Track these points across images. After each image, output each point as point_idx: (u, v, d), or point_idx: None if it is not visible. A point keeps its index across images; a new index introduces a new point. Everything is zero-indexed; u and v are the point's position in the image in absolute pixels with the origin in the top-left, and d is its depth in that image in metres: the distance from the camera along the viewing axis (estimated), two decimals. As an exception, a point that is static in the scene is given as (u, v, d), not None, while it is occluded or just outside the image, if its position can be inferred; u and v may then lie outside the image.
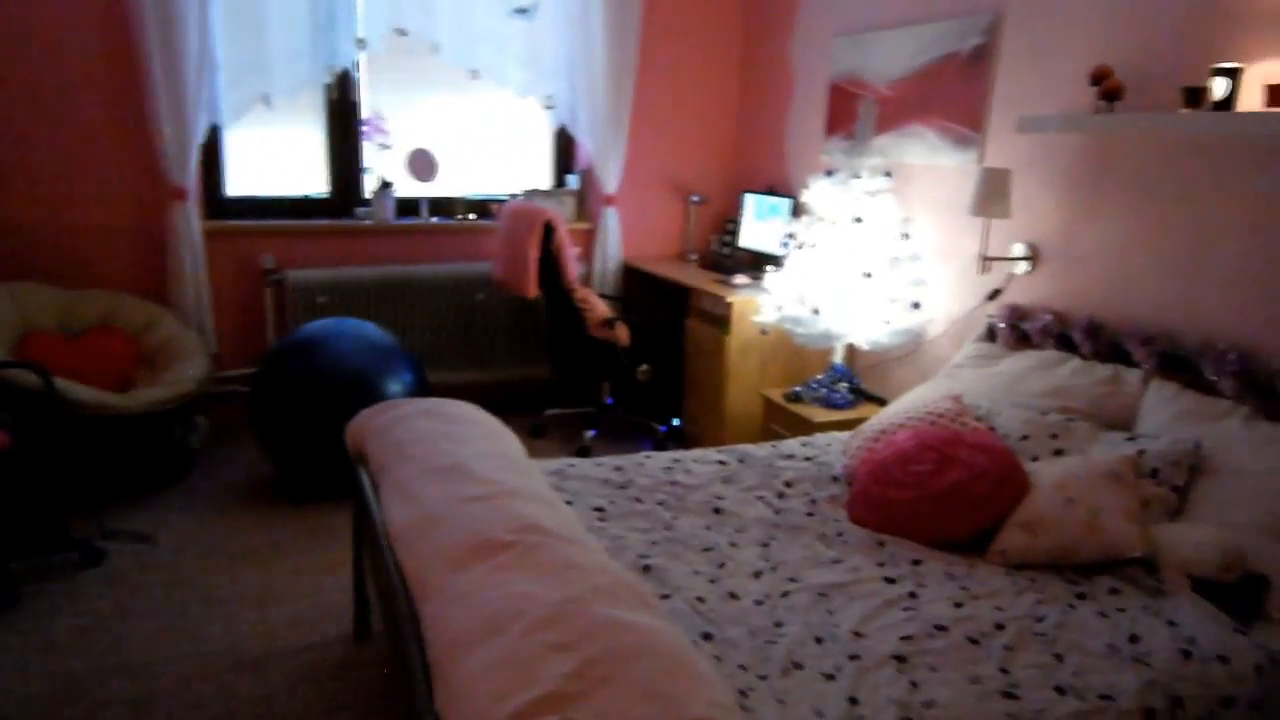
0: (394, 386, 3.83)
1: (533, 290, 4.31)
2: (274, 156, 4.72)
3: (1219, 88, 2.57)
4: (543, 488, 2.30)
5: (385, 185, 4.78)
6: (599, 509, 2.55)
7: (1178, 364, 2.82)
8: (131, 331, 4.08)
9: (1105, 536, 2.28)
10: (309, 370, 3.74)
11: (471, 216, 5.03)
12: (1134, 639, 1.97)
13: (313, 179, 4.83)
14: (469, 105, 5.05)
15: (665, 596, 2.08)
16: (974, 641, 1.95)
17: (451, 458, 2.35)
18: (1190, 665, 1.89)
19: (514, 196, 5.11)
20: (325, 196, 4.85)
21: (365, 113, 4.80)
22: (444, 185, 5.00)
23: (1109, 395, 2.89)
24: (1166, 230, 2.93)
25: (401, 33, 4.53)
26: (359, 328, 4.02)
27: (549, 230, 4.22)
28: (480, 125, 5.11)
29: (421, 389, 3.96)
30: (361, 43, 4.48)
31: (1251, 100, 2.59)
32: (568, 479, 2.75)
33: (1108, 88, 2.88)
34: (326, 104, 4.73)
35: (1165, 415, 2.72)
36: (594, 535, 2.27)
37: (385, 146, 4.83)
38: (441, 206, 5.03)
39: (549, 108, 4.97)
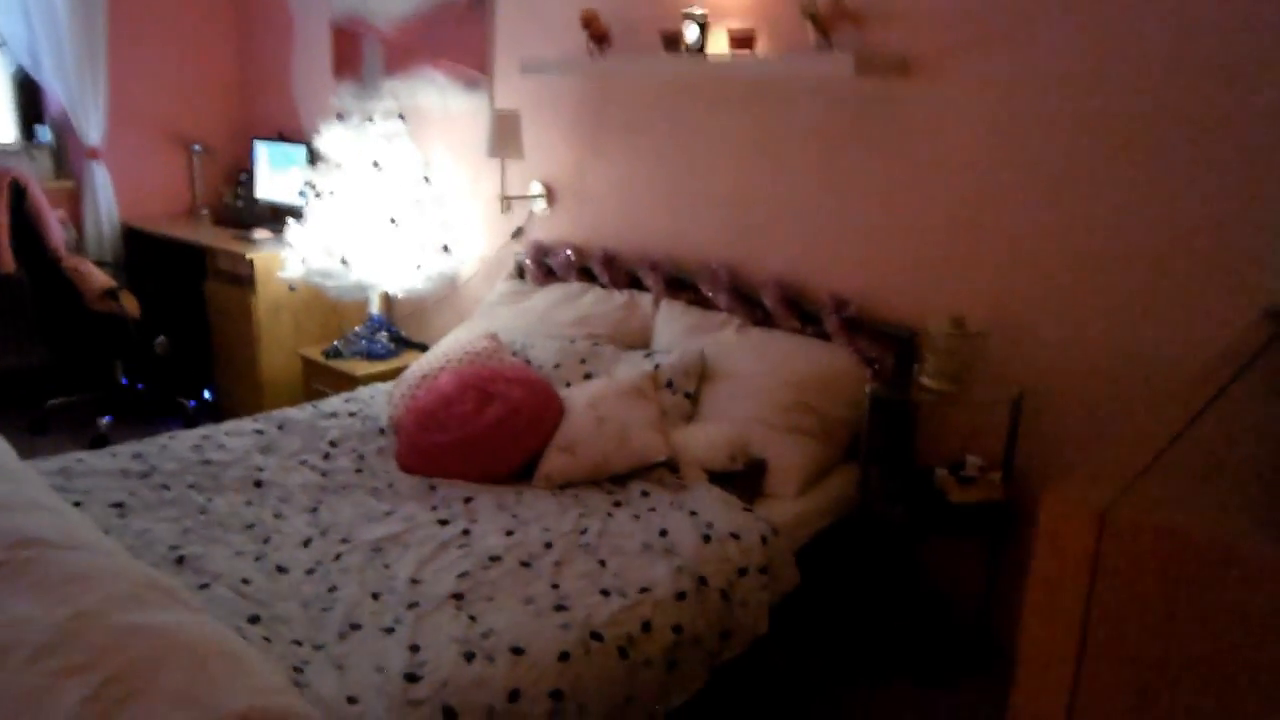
0: None
1: (8, 264, 3.68)
2: None
3: (691, 33, 2.85)
4: (39, 493, 1.99)
5: None
6: (117, 505, 2.26)
7: (681, 285, 3.14)
8: None
9: (634, 447, 2.49)
10: None
11: (-90, 181, 4.14)
12: (664, 533, 2.19)
13: None
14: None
15: (204, 586, 1.90)
16: (526, 565, 2.04)
17: (-94, 477, 1.94)
18: (710, 547, 2.15)
19: (-33, 154, 4.29)
20: None
21: None
22: None
23: (627, 319, 3.15)
24: (659, 164, 3.22)
25: None
26: None
27: (19, 192, 3.61)
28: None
29: None
30: None
31: (720, 45, 2.90)
32: (75, 477, 2.40)
33: (595, 32, 3.06)
34: None
35: (675, 331, 3.03)
36: (111, 536, 2.01)
37: None
38: None
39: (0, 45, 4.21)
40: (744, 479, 2.47)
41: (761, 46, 2.83)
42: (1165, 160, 2.17)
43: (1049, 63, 2.32)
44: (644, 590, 1.97)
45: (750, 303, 2.96)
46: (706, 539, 2.17)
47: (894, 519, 2.46)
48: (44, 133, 4.57)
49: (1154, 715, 0.72)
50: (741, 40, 2.77)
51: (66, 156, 4.60)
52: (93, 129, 4.42)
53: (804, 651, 2.54)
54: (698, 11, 2.84)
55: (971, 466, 2.46)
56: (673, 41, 2.90)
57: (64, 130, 4.54)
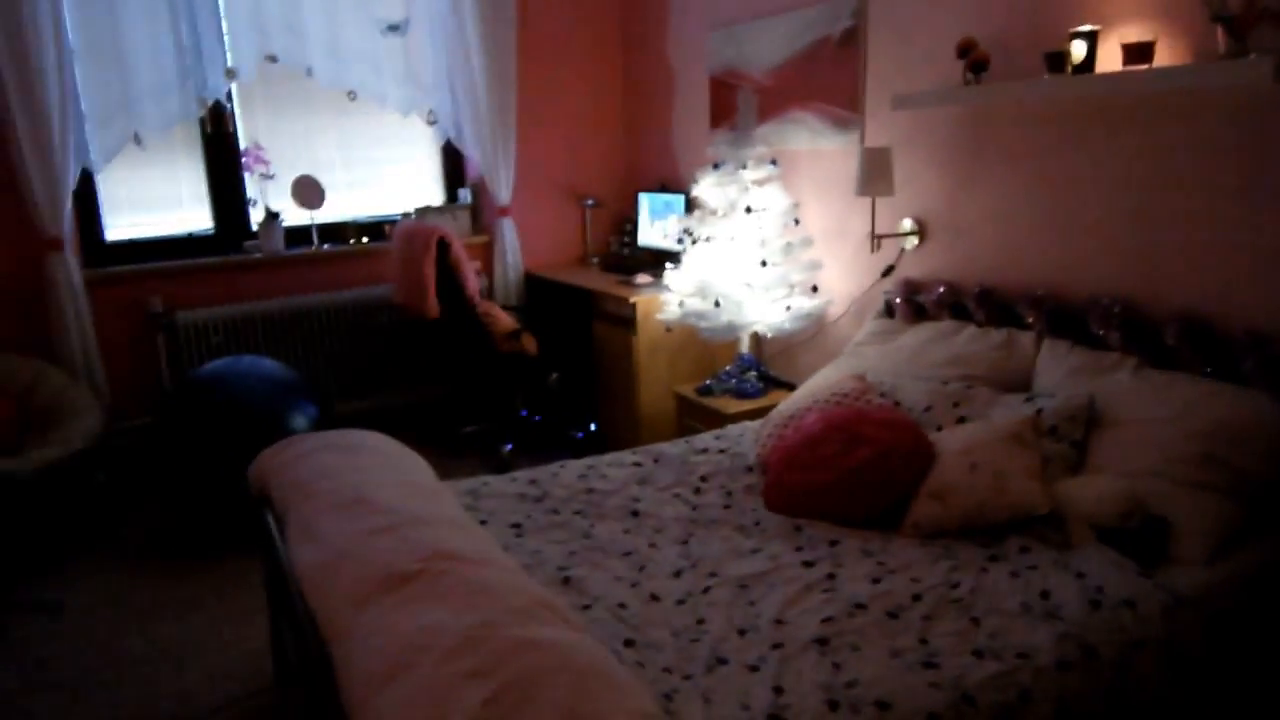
0: (298, 421, 3.73)
1: (433, 310, 4.25)
2: (153, 196, 4.55)
3: (1078, 51, 2.65)
4: (453, 511, 2.26)
5: (272, 216, 4.65)
6: (515, 525, 2.52)
7: (1066, 322, 2.91)
8: (15, 390, 3.89)
9: (1011, 497, 2.32)
10: (208, 413, 3.62)
11: (364, 240, 4.93)
12: (1045, 595, 2.02)
13: (195, 216, 4.67)
14: (351, 126, 4.95)
15: (586, 607, 2.06)
16: (893, 615, 1.97)
17: (355, 490, 2.29)
18: (1099, 614, 1.94)
19: (406, 216, 5.03)
20: (210, 233, 4.69)
21: (243, 143, 4.66)
22: (333, 210, 4.89)
23: (1005, 359, 2.97)
24: (1042, 193, 3.02)
25: (272, 59, 4.42)
26: (257, 364, 3.91)
27: (443, 247, 4.16)
28: (365, 146, 5.02)
29: (327, 421, 3.86)
30: (231, 73, 4.35)
31: (1110, 60, 2.67)
32: (482, 498, 2.71)
33: (974, 59, 2.95)
34: (202, 137, 4.58)
35: (1059, 373, 2.80)
36: (510, 553, 2.23)
37: (267, 176, 4.70)
38: (332, 232, 4.91)
39: (432, 123, 4.90)
40: (1140, 540, 2.21)
41: (1160, 58, 2.56)
42: None
43: None
44: (1022, 656, 1.82)
45: (1148, 341, 2.67)
46: (1095, 605, 1.97)
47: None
48: (464, 195, 5.24)
49: None
50: (1137, 53, 2.53)
51: (481, 214, 5.24)
52: (503, 189, 5.00)
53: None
54: (1086, 28, 2.63)
55: None
56: (1057, 61, 2.72)
57: (480, 191, 5.18)
